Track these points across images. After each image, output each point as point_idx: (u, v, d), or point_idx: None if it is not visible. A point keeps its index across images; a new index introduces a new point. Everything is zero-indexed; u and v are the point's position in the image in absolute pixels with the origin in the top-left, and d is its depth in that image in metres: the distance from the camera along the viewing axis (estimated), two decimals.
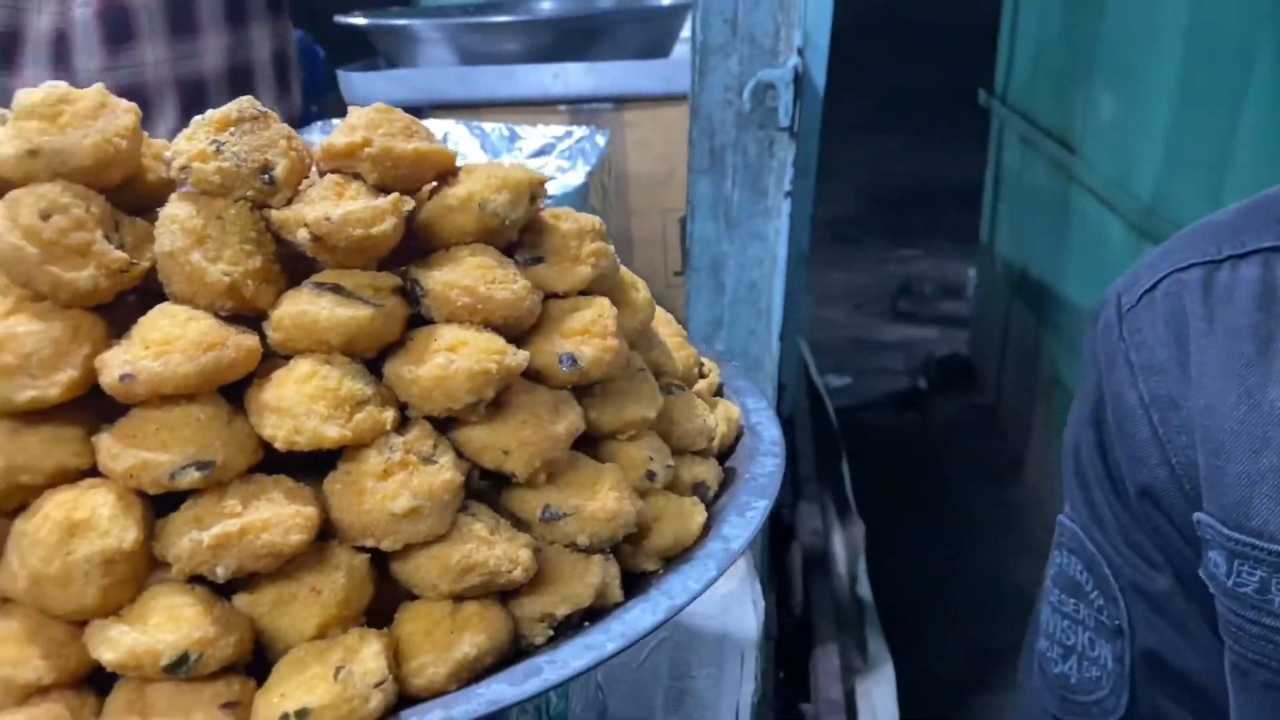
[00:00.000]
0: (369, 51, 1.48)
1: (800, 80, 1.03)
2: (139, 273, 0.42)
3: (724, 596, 1.00)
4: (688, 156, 1.10)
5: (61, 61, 1.21)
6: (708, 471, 0.56)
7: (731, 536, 0.51)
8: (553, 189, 1.15)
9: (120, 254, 0.41)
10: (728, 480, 0.57)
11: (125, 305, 0.43)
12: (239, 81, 1.22)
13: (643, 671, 0.89)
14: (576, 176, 1.08)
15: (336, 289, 0.43)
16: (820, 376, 2.39)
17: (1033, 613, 0.63)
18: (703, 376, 0.63)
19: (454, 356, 0.43)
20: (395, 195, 0.44)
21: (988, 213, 3.08)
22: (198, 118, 0.44)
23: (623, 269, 0.55)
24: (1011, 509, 2.45)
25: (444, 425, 0.45)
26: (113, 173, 0.43)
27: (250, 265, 0.42)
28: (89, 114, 0.42)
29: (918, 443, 2.86)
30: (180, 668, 0.38)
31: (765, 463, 0.58)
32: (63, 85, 0.43)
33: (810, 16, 1.33)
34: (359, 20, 1.36)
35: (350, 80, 1.32)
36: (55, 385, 0.39)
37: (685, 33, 1.44)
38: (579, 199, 0.97)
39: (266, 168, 0.43)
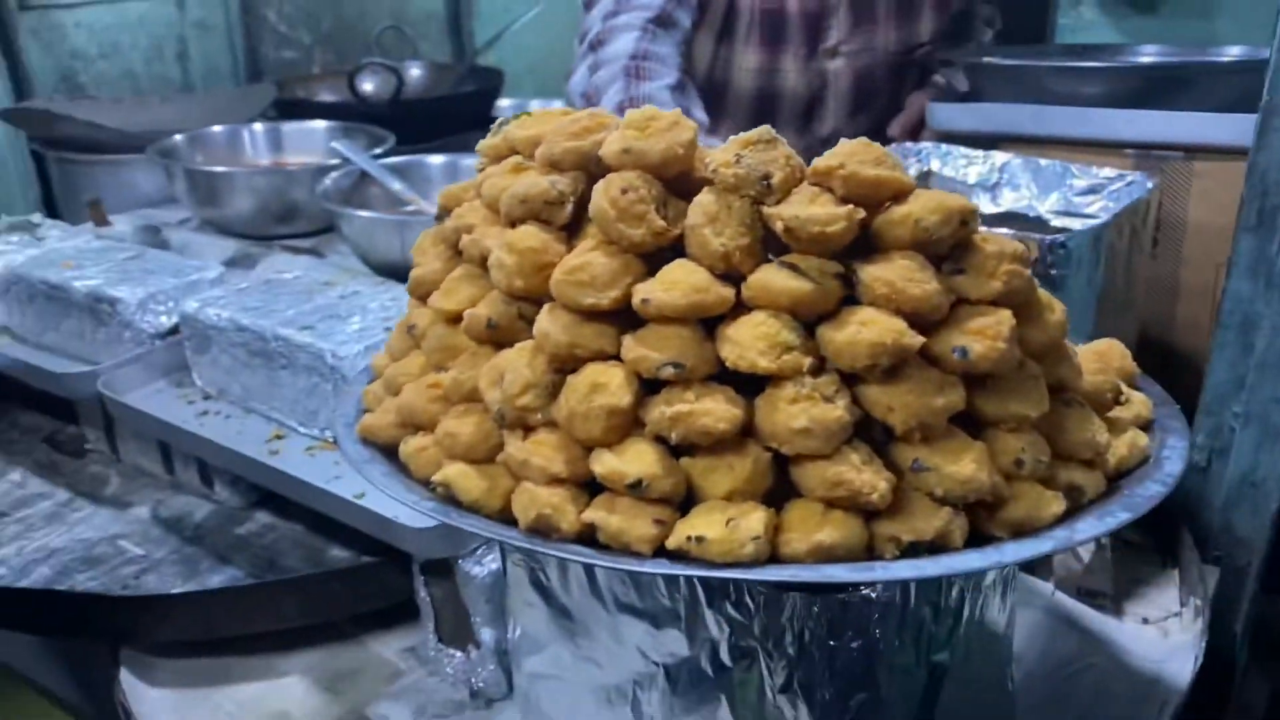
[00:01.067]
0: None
1: None
2: (671, 236, 0.63)
3: (1171, 647, 1.01)
4: (1237, 212, 1.10)
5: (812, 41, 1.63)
6: (1086, 479, 0.64)
7: (1079, 530, 0.60)
8: (1078, 225, 1.21)
9: (662, 223, 0.62)
10: (1109, 494, 0.65)
11: (662, 256, 0.64)
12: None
13: (1059, 694, 0.95)
14: (1104, 216, 1.13)
15: (793, 267, 0.60)
16: None
17: None
18: (1118, 403, 0.70)
19: (862, 329, 0.58)
20: (850, 207, 0.60)
21: None
22: (733, 137, 0.63)
23: (1043, 293, 0.65)
24: None
25: (852, 380, 0.60)
26: (671, 169, 0.64)
27: (741, 242, 0.61)
28: (665, 128, 0.64)
29: None
30: (636, 489, 0.58)
31: (1150, 487, 0.64)
32: (651, 109, 0.65)
33: None
34: (953, 59, 1.51)
35: (934, 110, 1.47)
36: (606, 298, 0.61)
37: None
38: (1093, 238, 1.03)
39: (767, 176, 0.61)
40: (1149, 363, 1.36)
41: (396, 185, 1.68)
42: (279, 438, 1.18)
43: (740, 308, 0.61)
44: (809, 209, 0.60)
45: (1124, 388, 0.72)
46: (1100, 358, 0.78)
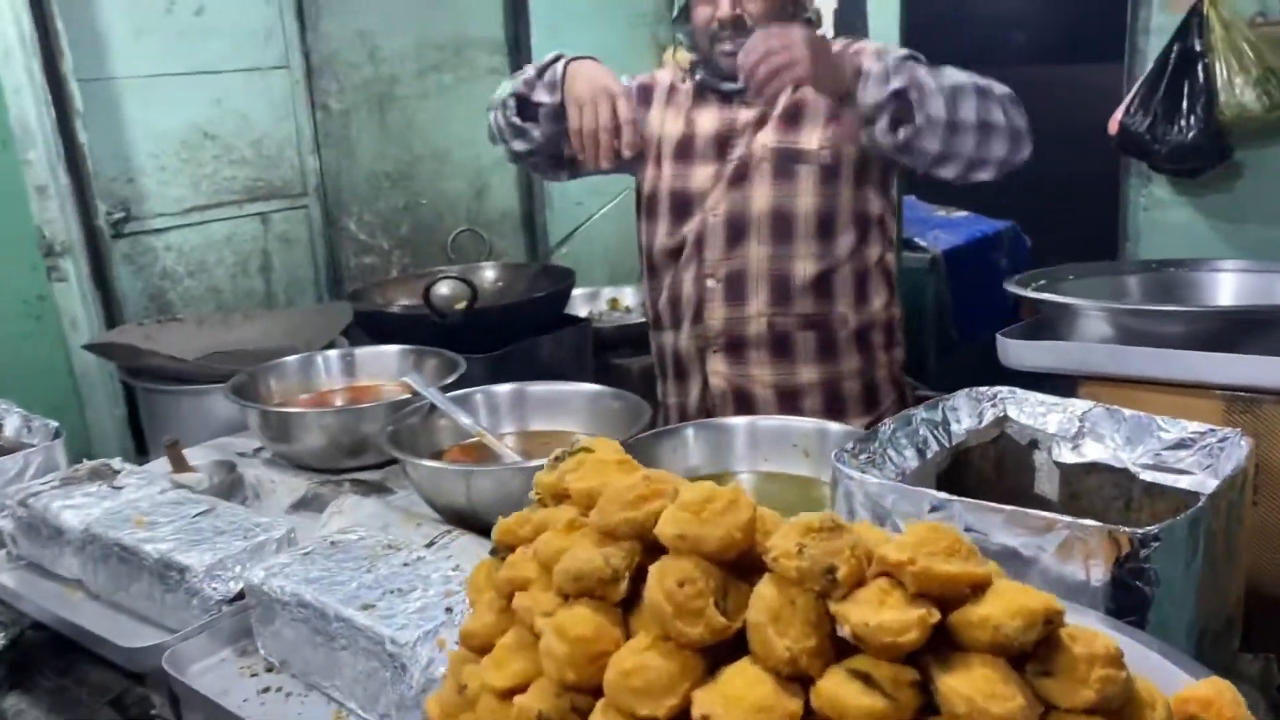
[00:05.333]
0: None
1: None
2: (732, 631, 0.59)
3: None
4: None
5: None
6: None
7: None
8: (1169, 480, 1.14)
9: (722, 620, 0.59)
10: None
11: (721, 646, 0.60)
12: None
13: None
14: (1205, 486, 1.07)
15: (866, 678, 0.56)
16: None
17: None
18: None
19: None
20: (923, 614, 0.56)
21: None
22: (792, 519, 0.60)
23: (1143, 687, 0.59)
24: None
25: None
26: (729, 553, 0.61)
27: (807, 644, 0.57)
28: (722, 510, 0.61)
29: None
30: None
31: None
32: (709, 487, 0.62)
33: None
34: (1024, 292, 1.48)
35: (1006, 345, 1.43)
36: (663, 708, 0.57)
37: None
38: (1189, 525, 0.96)
39: (832, 569, 0.58)
40: (1261, 614, 1.28)
41: (464, 420, 1.68)
42: None
43: (809, 714, 0.57)
44: (880, 614, 0.56)
45: None
46: (1207, 707, 0.71)
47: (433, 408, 1.72)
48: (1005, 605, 0.57)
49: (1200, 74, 2.68)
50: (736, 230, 1.97)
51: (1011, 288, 1.54)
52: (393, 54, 2.91)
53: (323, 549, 1.32)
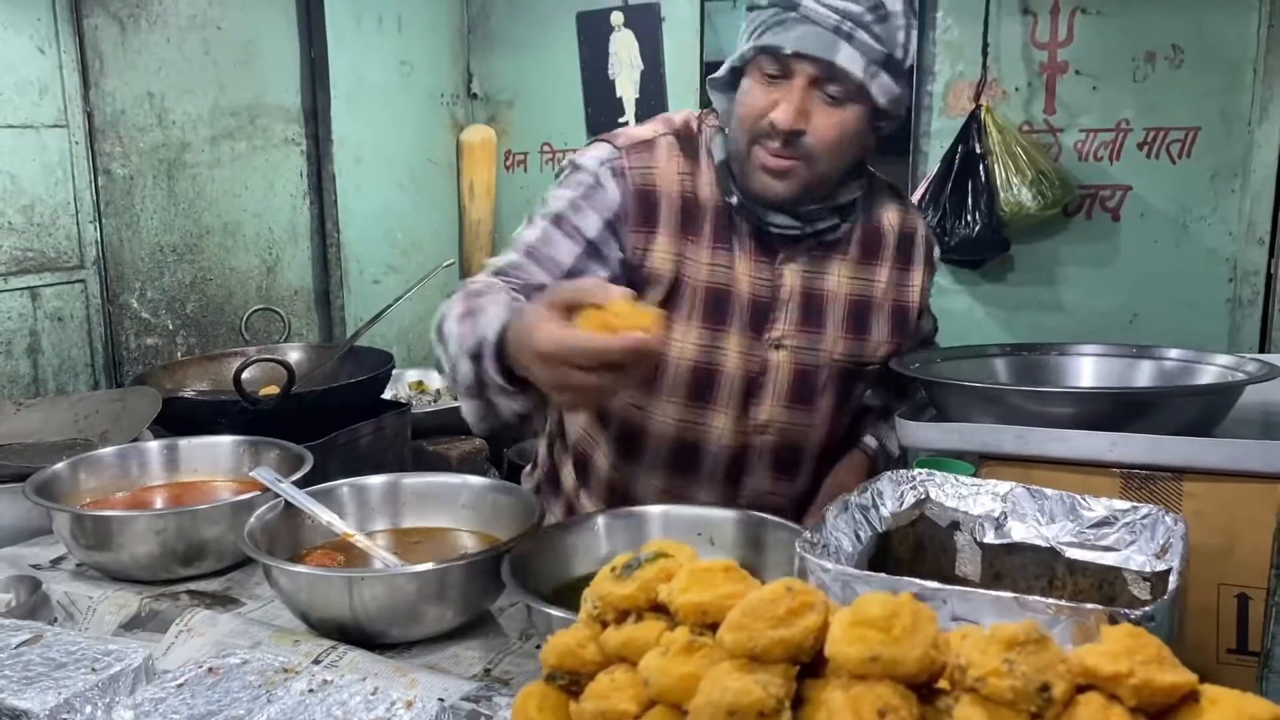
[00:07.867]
0: None
1: None
2: None
3: None
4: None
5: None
6: None
7: None
8: (1091, 557, 1.16)
9: None
10: None
11: None
12: None
13: None
14: (1128, 562, 1.11)
15: None
16: None
17: None
18: None
19: None
20: None
21: None
22: (985, 632, 0.55)
23: None
24: None
25: None
26: (924, 675, 0.54)
27: None
28: (912, 626, 0.54)
29: None
30: None
31: None
32: (884, 597, 0.56)
33: None
34: (919, 374, 1.51)
35: (906, 427, 1.45)
36: None
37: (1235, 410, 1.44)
38: (1169, 605, 0.99)
39: (1046, 687, 0.53)
40: None
41: (326, 518, 1.51)
42: None
43: None
44: None
45: None
46: None
47: (287, 505, 1.53)
48: (1228, 715, 0.53)
49: (983, 174, 2.92)
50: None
51: (898, 368, 1.57)
52: (184, 118, 2.67)
53: (199, 678, 1.13)
